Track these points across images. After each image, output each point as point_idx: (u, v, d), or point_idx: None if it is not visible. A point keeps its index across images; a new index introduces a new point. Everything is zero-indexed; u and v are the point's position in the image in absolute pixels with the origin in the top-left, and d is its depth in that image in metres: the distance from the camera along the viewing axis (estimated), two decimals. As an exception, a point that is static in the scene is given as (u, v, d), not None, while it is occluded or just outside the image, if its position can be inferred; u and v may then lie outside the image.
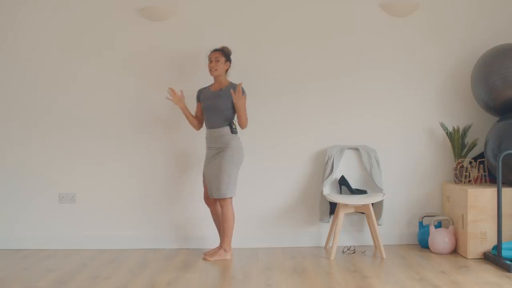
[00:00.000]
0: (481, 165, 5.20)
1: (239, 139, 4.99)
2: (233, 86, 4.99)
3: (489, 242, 4.89)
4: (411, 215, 5.47)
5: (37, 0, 5.40)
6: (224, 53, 5.02)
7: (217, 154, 4.94)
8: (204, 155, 5.18)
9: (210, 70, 4.99)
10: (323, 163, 5.38)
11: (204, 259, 4.94)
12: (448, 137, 5.33)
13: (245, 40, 5.42)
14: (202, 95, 5.09)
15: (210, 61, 4.99)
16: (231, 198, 4.94)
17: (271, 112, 5.44)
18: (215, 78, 5.03)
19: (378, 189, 5.19)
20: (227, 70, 5.05)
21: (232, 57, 5.14)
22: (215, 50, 5.03)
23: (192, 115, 5.11)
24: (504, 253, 4.67)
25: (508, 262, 4.51)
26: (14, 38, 5.43)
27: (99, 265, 4.81)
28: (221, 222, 4.97)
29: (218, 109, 4.94)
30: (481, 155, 5.33)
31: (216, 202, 5.08)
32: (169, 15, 5.38)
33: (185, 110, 5.07)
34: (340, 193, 5.27)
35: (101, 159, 5.44)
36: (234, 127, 4.97)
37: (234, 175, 4.93)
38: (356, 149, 5.37)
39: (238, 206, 5.18)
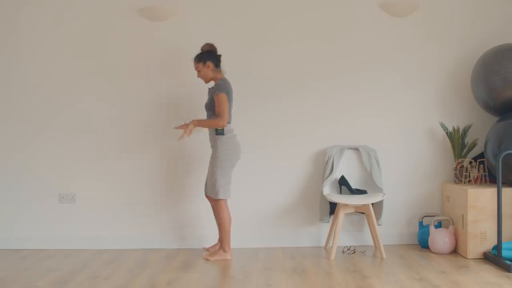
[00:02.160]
0: (481, 165, 5.20)
1: (227, 139, 4.85)
2: (217, 85, 4.85)
3: (489, 242, 4.89)
4: (411, 215, 5.47)
5: (37, 0, 5.41)
6: (198, 58, 4.90)
7: (212, 153, 4.97)
8: (203, 155, 5.20)
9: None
10: (323, 163, 5.38)
11: (205, 258, 4.95)
12: (448, 137, 5.33)
13: (246, 40, 5.42)
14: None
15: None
16: (225, 200, 4.90)
17: (272, 112, 5.44)
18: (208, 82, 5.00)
19: (378, 189, 5.19)
20: (212, 69, 4.90)
21: (232, 56, 5.15)
22: (193, 60, 4.93)
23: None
24: (504, 253, 4.67)
25: (508, 262, 4.51)
26: (16, 38, 5.43)
27: (99, 265, 4.81)
28: (217, 224, 4.96)
29: (206, 108, 4.96)
30: (481, 155, 5.33)
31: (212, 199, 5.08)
32: (169, 15, 5.38)
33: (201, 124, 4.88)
34: (340, 193, 5.27)
35: (101, 159, 5.44)
36: (219, 128, 4.83)
37: (222, 177, 4.84)
38: (356, 149, 5.37)
39: (238, 206, 5.18)
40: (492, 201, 4.87)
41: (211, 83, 5.11)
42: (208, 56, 4.90)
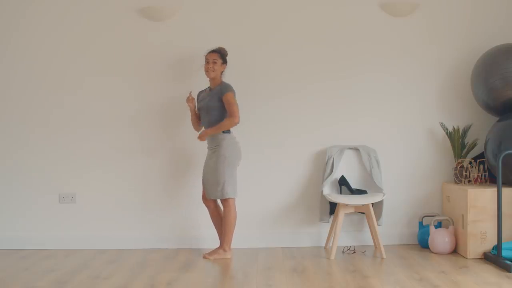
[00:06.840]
0: (481, 165, 5.20)
1: (232, 139, 4.96)
2: (222, 86, 4.95)
3: (489, 242, 4.89)
4: (411, 215, 5.47)
5: (38, 1, 5.41)
6: (221, 54, 5.01)
7: (212, 154, 4.97)
8: (203, 156, 5.20)
9: (207, 71, 4.98)
10: (323, 163, 5.38)
11: (204, 257, 4.95)
12: (448, 137, 5.33)
13: (246, 40, 5.41)
14: (199, 97, 5.13)
15: (207, 62, 4.98)
16: (233, 198, 4.93)
17: (272, 112, 5.43)
18: (211, 79, 5.03)
19: (378, 189, 5.19)
20: (222, 72, 5.05)
21: (233, 57, 5.15)
22: (213, 51, 5.01)
23: (196, 115, 5.12)
24: (504, 253, 4.67)
25: (508, 262, 4.51)
26: (16, 39, 5.42)
27: (99, 265, 4.81)
28: (222, 222, 4.97)
29: (208, 108, 4.97)
30: (481, 155, 5.33)
31: (213, 203, 5.07)
32: (169, 15, 5.38)
33: (192, 110, 5.09)
34: (340, 193, 5.27)
35: (101, 159, 5.44)
36: None
37: (230, 175, 4.91)
38: (356, 149, 5.37)
39: (238, 206, 5.17)
40: (492, 201, 4.87)
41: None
42: (226, 60, 5.05)
